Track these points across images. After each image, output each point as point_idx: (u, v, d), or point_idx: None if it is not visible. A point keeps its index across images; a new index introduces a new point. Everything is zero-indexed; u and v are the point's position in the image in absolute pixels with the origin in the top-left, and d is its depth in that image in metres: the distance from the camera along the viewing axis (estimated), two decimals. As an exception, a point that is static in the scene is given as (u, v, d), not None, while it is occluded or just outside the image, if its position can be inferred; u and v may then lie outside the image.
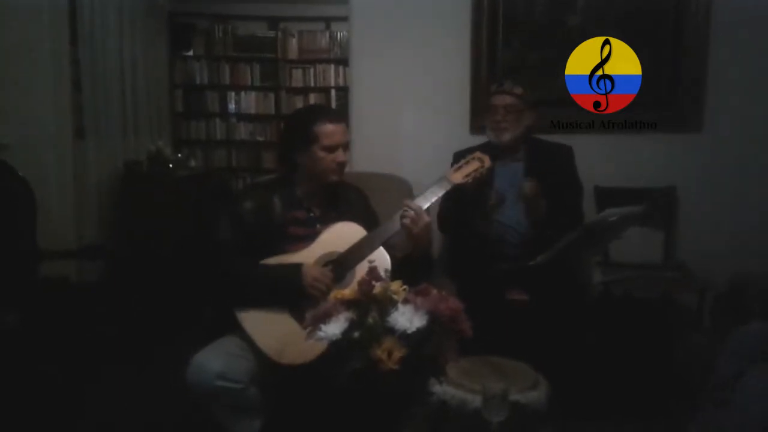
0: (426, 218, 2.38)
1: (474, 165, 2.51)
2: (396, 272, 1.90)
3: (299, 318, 2.19)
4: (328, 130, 2.42)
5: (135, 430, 2.88)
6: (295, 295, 2.25)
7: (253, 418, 2.24)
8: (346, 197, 2.59)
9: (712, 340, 2.77)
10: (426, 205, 2.41)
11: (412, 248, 2.43)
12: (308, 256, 2.35)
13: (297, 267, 2.29)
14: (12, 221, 2.89)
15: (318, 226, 2.47)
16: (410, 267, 2.32)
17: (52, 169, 4.26)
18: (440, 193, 2.44)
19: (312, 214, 2.51)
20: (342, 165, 2.46)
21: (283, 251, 2.38)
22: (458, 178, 2.47)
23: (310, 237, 2.42)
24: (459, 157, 3.16)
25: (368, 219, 2.54)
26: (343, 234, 2.40)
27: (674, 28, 3.58)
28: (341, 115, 2.57)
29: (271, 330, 2.24)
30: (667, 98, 3.60)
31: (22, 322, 2.70)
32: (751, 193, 3.62)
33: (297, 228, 2.46)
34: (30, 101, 4.10)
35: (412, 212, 2.35)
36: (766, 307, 2.79)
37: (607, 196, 3.55)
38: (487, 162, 2.52)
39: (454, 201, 2.88)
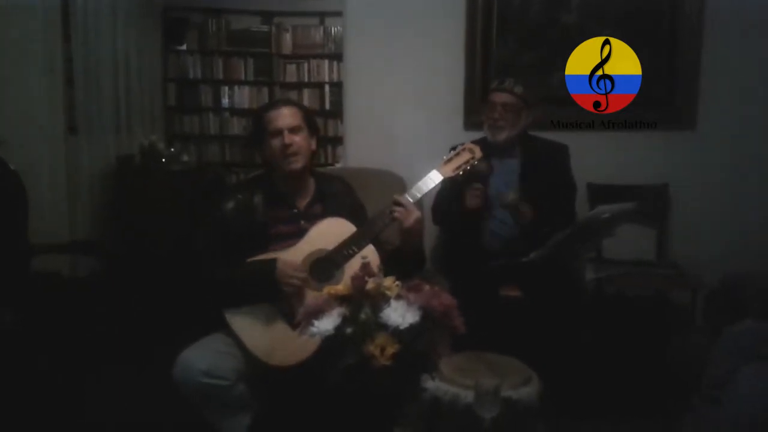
0: (417, 212, 2.35)
1: (464, 157, 2.47)
2: (386, 267, 1.89)
3: (289, 319, 2.19)
4: (270, 116, 2.44)
5: (133, 428, 2.87)
6: (276, 290, 2.23)
7: (242, 415, 2.23)
8: (330, 190, 2.56)
9: (704, 338, 2.77)
10: (416, 199, 2.38)
11: (402, 242, 2.41)
12: (295, 254, 2.32)
13: (271, 262, 2.26)
14: (4, 216, 2.87)
15: (302, 222, 2.43)
16: (401, 261, 2.31)
17: (45, 164, 4.26)
18: (431, 186, 2.40)
19: (295, 210, 2.48)
20: (289, 147, 2.40)
21: (269, 250, 2.34)
22: (448, 171, 2.43)
23: (295, 234, 2.38)
24: (455, 151, 3.18)
25: (355, 211, 2.51)
26: (331, 230, 2.37)
27: (668, 27, 3.58)
28: (281, 101, 2.55)
29: (260, 331, 2.23)
30: (661, 96, 3.61)
31: (16, 319, 2.69)
32: (744, 191, 3.63)
33: (281, 226, 2.43)
34: (23, 96, 4.10)
35: (401, 207, 2.34)
36: (759, 306, 2.80)
37: (599, 194, 3.55)
38: (478, 153, 2.49)
39: (448, 193, 2.88)
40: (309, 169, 2.53)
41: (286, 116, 2.43)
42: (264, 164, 2.56)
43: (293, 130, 2.41)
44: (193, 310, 2.51)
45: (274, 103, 2.53)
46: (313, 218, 2.43)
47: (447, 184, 2.52)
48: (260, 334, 2.22)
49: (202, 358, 2.16)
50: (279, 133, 2.40)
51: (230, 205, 2.43)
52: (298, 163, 2.42)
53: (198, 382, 2.12)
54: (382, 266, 1.84)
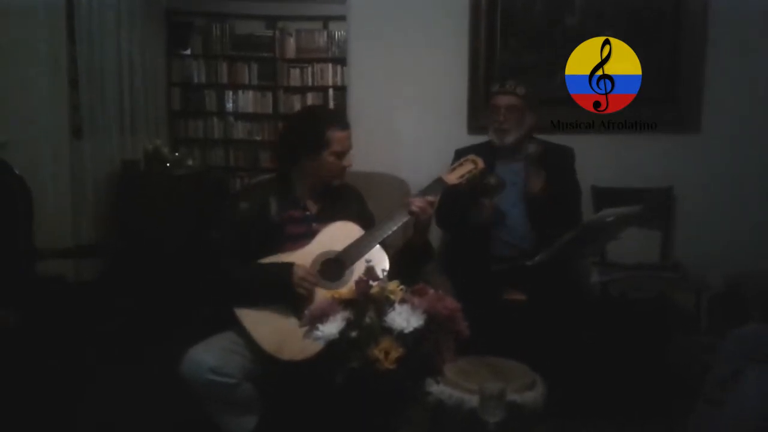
0: (430, 210, 2.43)
1: (468, 167, 2.56)
2: (396, 265, 1.92)
3: (299, 314, 2.21)
4: (340, 137, 2.48)
5: (132, 428, 2.87)
6: (290, 293, 2.26)
7: (246, 414, 2.24)
8: (342, 196, 2.61)
9: (708, 341, 2.77)
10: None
11: (412, 236, 2.49)
12: (305, 255, 2.36)
13: (287, 266, 2.30)
14: (9, 220, 2.88)
15: (314, 225, 2.48)
16: (411, 255, 2.42)
17: (50, 167, 4.25)
18: (436, 191, 2.48)
19: (308, 213, 2.52)
20: (346, 169, 2.53)
21: (281, 250, 2.38)
22: (453, 179, 2.52)
23: (307, 235, 2.43)
24: (460, 154, 3.18)
25: (364, 218, 2.56)
26: (341, 233, 2.42)
27: (672, 27, 3.58)
28: (347, 119, 2.70)
29: (270, 326, 2.24)
30: (666, 98, 3.60)
31: (21, 322, 2.69)
32: (748, 194, 3.62)
33: (293, 227, 2.47)
34: (27, 100, 4.09)
35: (418, 206, 2.40)
36: (763, 308, 2.79)
37: (604, 196, 3.55)
38: (480, 164, 2.56)
39: (456, 203, 2.89)
40: None
41: (350, 138, 2.52)
42: (283, 166, 2.57)
43: (348, 151, 2.53)
44: (202, 308, 2.54)
45: (339, 122, 2.53)
46: (324, 221, 2.48)
47: (454, 194, 2.60)
48: (271, 329, 2.24)
49: (210, 355, 2.18)
50: (344, 155, 2.49)
51: (246, 204, 2.50)
52: (342, 179, 2.56)
53: (205, 378, 2.14)
54: (386, 271, 1.84)
